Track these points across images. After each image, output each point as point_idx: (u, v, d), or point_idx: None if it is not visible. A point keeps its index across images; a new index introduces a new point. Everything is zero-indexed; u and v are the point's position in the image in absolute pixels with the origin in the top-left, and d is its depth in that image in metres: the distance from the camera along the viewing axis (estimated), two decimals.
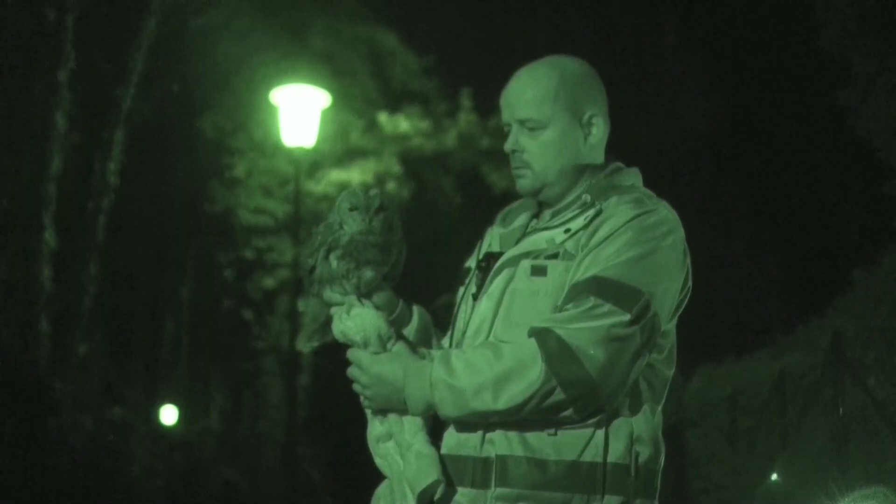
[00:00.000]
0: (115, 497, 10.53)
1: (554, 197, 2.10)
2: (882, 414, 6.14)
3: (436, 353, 1.97)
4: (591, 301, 1.85)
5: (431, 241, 15.08)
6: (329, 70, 14.53)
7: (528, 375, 1.83)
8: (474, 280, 2.12)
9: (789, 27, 12.56)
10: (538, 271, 1.96)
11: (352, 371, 2.03)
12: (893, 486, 4.76)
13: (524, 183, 2.10)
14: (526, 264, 1.98)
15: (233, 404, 16.37)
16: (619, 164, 2.12)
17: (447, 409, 1.90)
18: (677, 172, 13.18)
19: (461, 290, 2.17)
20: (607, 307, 1.84)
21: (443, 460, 1.96)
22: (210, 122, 15.28)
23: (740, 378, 8.62)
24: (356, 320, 2.04)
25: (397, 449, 2.00)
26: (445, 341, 2.13)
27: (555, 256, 1.96)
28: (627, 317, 1.84)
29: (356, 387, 2.03)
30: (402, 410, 1.97)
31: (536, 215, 2.17)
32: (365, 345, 2.02)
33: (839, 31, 7.55)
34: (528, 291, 1.95)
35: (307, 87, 10.87)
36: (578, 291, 1.88)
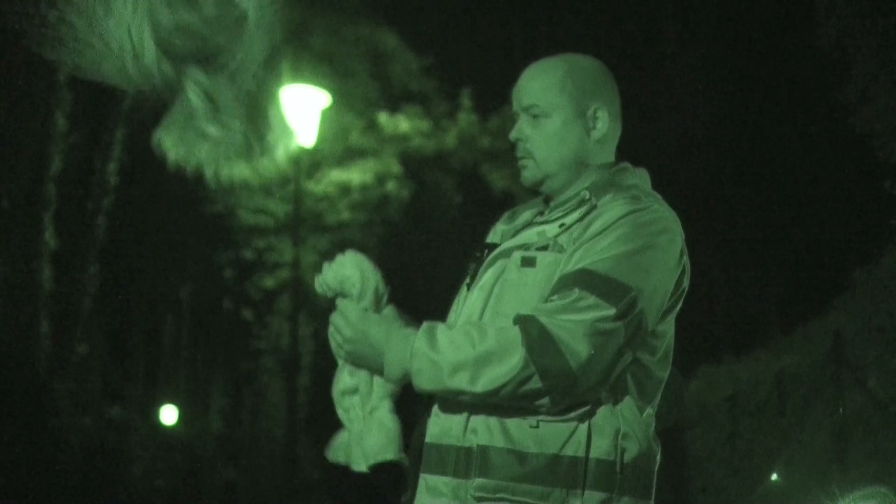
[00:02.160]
0: (115, 497, 10.53)
1: (556, 189, 2.09)
2: (882, 414, 6.14)
3: (423, 324, 1.97)
4: (577, 293, 1.85)
5: (431, 241, 15.09)
6: (329, 70, 14.53)
7: (508, 360, 1.82)
8: (470, 270, 2.13)
9: (789, 26, 12.56)
10: (528, 263, 1.96)
11: (336, 320, 2.01)
12: (893, 486, 4.75)
13: (527, 174, 2.09)
14: (517, 256, 1.98)
15: (233, 404, 16.37)
16: (626, 165, 2.11)
17: (423, 382, 1.90)
18: (677, 172, 13.17)
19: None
20: (592, 300, 1.84)
21: (426, 448, 1.97)
22: None
23: (740, 378, 8.63)
24: (357, 269, 2.02)
25: (361, 406, 2.00)
26: None
27: (545, 248, 1.96)
28: (612, 311, 1.84)
29: (336, 336, 2.02)
30: (375, 372, 1.98)
31: (541, 214, 2.16)
32: (360, 297, 2.00)
33: (839, 31, 7.55)
34: (518, 282, 1.95)
35: (307, 87, 10.88)
36: (565, 283, 1.88)
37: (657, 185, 2.08)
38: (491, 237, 2.19)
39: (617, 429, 1.89)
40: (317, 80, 11.64)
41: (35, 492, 8.40)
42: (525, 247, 1.99)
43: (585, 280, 1.86)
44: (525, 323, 1.85)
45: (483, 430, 1.90)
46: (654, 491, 1.97)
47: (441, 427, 1.96)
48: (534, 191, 2.17)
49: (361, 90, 15.90)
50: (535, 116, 2.06)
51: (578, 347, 1.82)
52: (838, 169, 12.48)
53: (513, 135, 2.10)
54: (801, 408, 7.01)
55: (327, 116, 12.65)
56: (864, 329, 6.58)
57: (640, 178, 2.08)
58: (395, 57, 16.07)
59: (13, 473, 8.28)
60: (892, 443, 6.01)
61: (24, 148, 10.00)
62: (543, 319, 1.84)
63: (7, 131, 9.86)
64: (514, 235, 2.10)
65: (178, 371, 15.87)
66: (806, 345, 7.76)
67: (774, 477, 6.83)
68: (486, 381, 1.84)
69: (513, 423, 1.88)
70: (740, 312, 13.90)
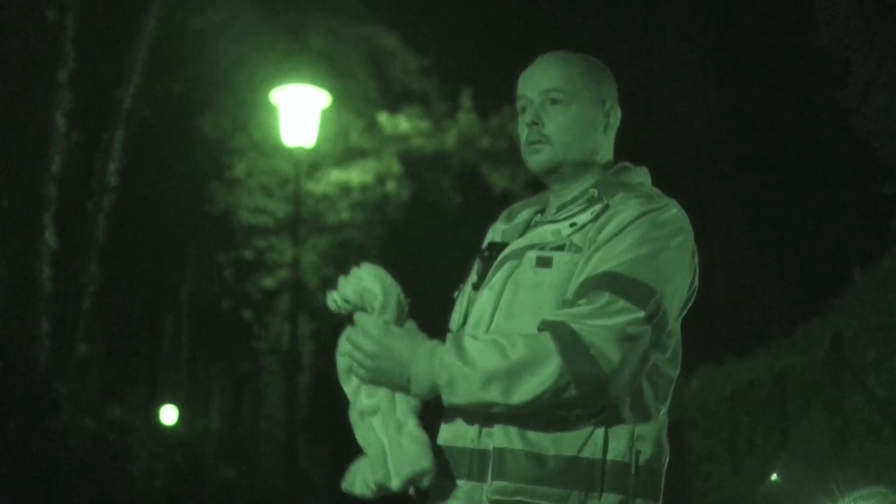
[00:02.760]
0: (116, 497, 10.52)
1: (563, 181, 2.06)
2: (882, 414, 6.14)
3: (448, 336, 1.92)
4: (606, 297, 1.82)
5: (431, 241, 15.09)
6: (329, 70, 14.53)
7: (544, 369, 1.79)
8: (476, 270, 2.09)
9: (789, 27, 12.56)
10: (543, 263, 1.93)
11: (354, 336, 1.93)
12: (893, 486, 4.75)
13: (540, 158, 2.03)
14: (531, 255, 1.94)
15: (233, 404, 16.36)
16: (628, 164, 2.10)
17: (453, 395, 1.85)
18: (677, 172, 13.17)
19: (462, 285, 2.15)
20: (622, 304, 1.82)
21: (438, 451, 1.92)
22: (210, 122, 15.29)
23: (740, 378, 8.62)
24: (378, 281, 1.94)
25: (383, 426, 1.91)
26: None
27: (560, 248, 1.93)
28: (642, 314, 1.82)
29: (355, 354, 1.92)
30: (399, 388, 1.90)
31: (541, 212, 2.14)
32: (381, 310, 1.91)
33: (839, 31, 7.54)
34: (533, 283, 1.92)
35: (307, 87, 10.87)
36: (591, 286, 1.85)
37: (657, 185, 2.08)
38: (491, 236, 2.16)
39: (632, 430, 1.88)
40: (317, 80, 11.63)
41: (35, 492, 8.40)
42: (539, 246, 1.96)
43: (612, 283, 1.84)
44: (556, 329, 1.81)
45: (500, 433, 1.87)
46: (662, 492, 1.97)
47: (454, 430, 1.93)
48: (537, 185, 2.15)
49: (361, 90, 15.89)
50: (554, 102, 2.03)
51: (610, 353, 1.80)
52: (838, 169, 12.47)
53: (528, 118, 2.05)
54: (800, 408, 7.02)
55: (327, 116, 12.65)
56: (864, 329, 6.57)
57: (643, 176, 2.08)
58: (395, 57, 16.06)
59: (13, 473, 8.28)
60: (892, 443, 6.01)
61: (24, 148, 10.00)
62: (574, 325, 1.80)
63: (7, 131, 9.86)
64: (520, 234, 2.07)
65: (178, 371, 15.86)
66: (806, 345, 7.76)
67: (774, 477, 6.83)
68: (523, 392, 1.80)
69: (530, 426, 1.85)
70: (740, 312, 13.89)
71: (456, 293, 2.15)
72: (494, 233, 2.16)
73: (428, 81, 16.12)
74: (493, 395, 1.81)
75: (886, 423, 6.09)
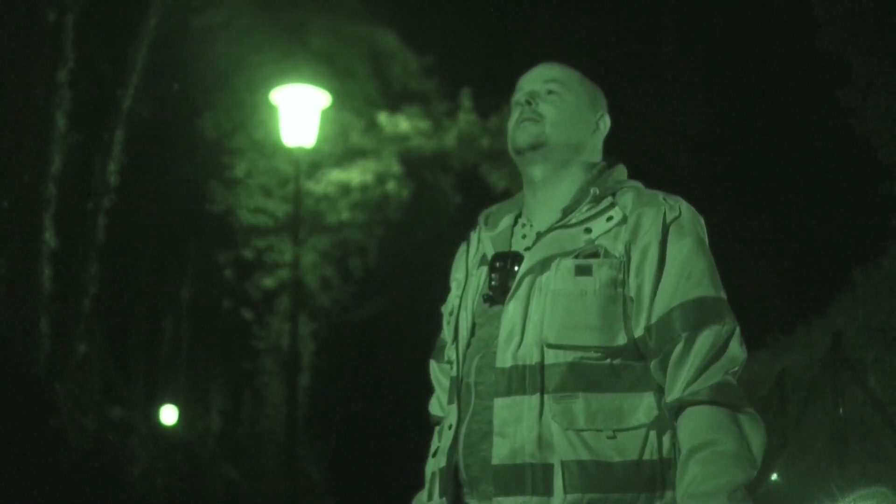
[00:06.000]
0: (116, 497, 10.53)
1: (545, 165, 2.07)
2: (882, 414, 6.15)
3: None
4: (716, 329, 1.95)
5: (431, 241, 15.09)
6: (329, 70, 14.55)
7: (753, 433, 1.89)
8: (485, 280, 2.05)
9: (789, 27, 12.57)
10: (583, 271, 1.93)
11: None
12: (893, 486, 4.76)
13: (531, 131, 2.05)
14: (568, 264, 1.94)
15: (233, 404, 16.37)
16: (604, 162, 2.13)
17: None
18: (676, 172, 13.18)
19: (456, 297, 2.11)
20: (726, 329, 1.97)
21: (495, 470, 1.91)
22: (210, 122, 15.30)
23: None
24: None
25: None
26: (451, 350, 2.08)
27: (595, 255, 1.95)
28: (735, 326, 1.99)
29: None
30: None
31: (518, 216, 2.14)
32: None
33: (839, 31, 7.55)
34: (576, 292, 1.93)
35: (307, 87, 10.87)
36: (693, 320, 1.93)
37: (656, 185, 2.09)
38: (482, 244, 2.13)
39: (671, 427, 1.93)
40: (317, 80, 11.63)
41: (35, 492, 8.41)
42: (571, 254, 1.96)
43: (709, 310, 1.96)
44: (721, 397, 1.91)
45: (562, 445, 1.88)
46: None
47: (510, 447, 1.91)
48: (515, 183, 2.16)
49: (361, 90, 15.91)
50: (551, 92, 2.08)
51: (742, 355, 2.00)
52: (838, 169, 12.47)
53: (523, 100, 2.09)
54: (800, 408, 7.02)
55: (327, 116, 12.65)
56: (864, 329, 6.58)
57: (624, 173, 2.12)
58: (395, 57, 16.08)
59: (13, 473, 8.28)
60: (892, 443, 6.01)
61: (24, 148, 10.01)
62: (727, 378, 1.94)
63: (7, 131, 9.87)
64: (508, 241, 2.08)
65: (178, 371, 15.87)
66: (806, 345, 7.76)
67: (774, 477, 6.83)
68: (757, 452, 1.88)
69: (590, 436, 1.88)
70: (740, 312, 13.90)
71: (452, 306, 2.12)
72: (482, 241, 2.14)
73: (428, 81, 16.14)
74: (752, 471, 1.86)
75: (886, 423, 6.10)
